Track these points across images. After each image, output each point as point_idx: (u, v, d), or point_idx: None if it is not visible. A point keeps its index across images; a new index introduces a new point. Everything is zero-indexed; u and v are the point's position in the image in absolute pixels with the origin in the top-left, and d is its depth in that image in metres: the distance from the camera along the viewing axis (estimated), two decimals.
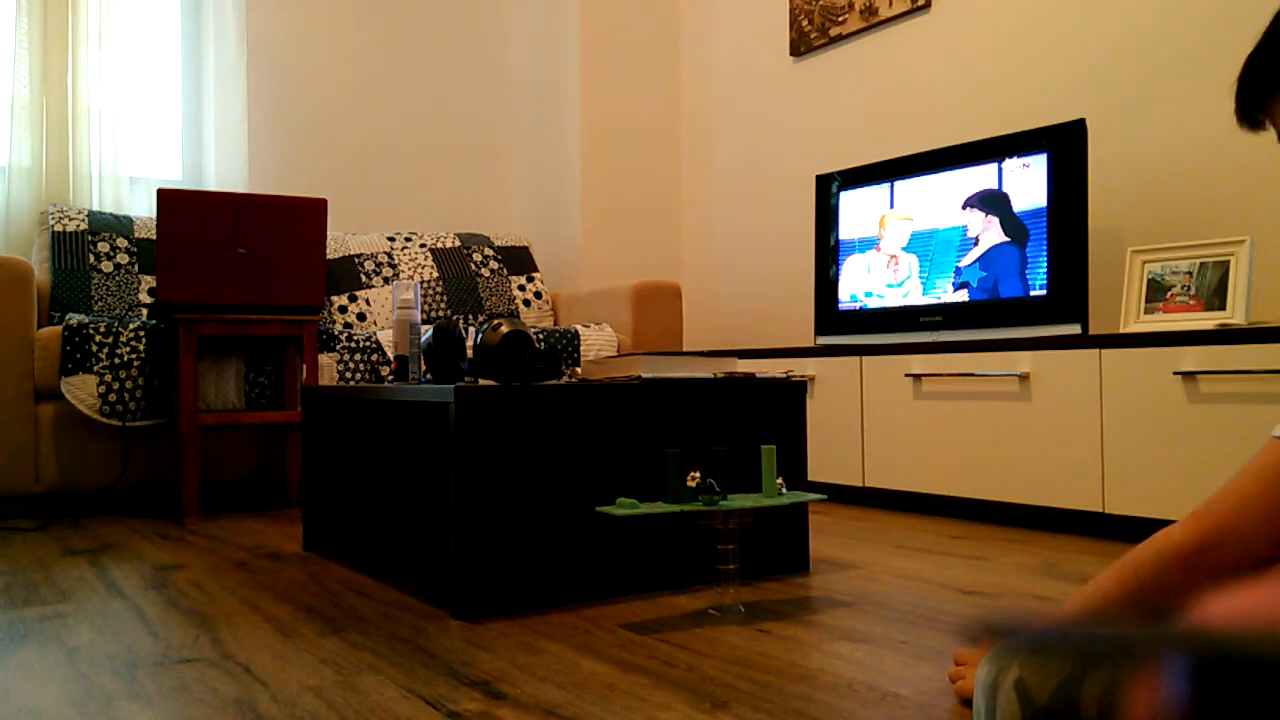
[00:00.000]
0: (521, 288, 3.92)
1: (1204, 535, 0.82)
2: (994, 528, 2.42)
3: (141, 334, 2.85)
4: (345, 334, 3.09)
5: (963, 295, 2.70)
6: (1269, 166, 2.40)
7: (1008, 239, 2.60)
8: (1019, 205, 2.58)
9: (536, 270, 3.99)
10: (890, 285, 2.90)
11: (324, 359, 2.84)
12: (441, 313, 3.71)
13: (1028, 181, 2.57)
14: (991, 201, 2.65)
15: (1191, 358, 2.08)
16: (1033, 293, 2.53)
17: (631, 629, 1.51)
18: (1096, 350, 2.25)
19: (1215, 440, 2.04)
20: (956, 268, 2.72)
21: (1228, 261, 2.27)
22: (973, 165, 2.70)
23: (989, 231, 2.65)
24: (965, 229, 2.70)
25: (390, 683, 1.26)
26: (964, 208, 2.71)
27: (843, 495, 2.98)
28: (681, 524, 1.83)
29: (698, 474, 1.60)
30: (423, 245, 3.84)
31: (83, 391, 2.75)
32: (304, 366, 2.81)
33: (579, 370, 2.00)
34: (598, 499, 1.73)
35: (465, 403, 1.60)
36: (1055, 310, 2.48)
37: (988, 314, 2.64)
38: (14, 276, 2.78)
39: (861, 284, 2.99)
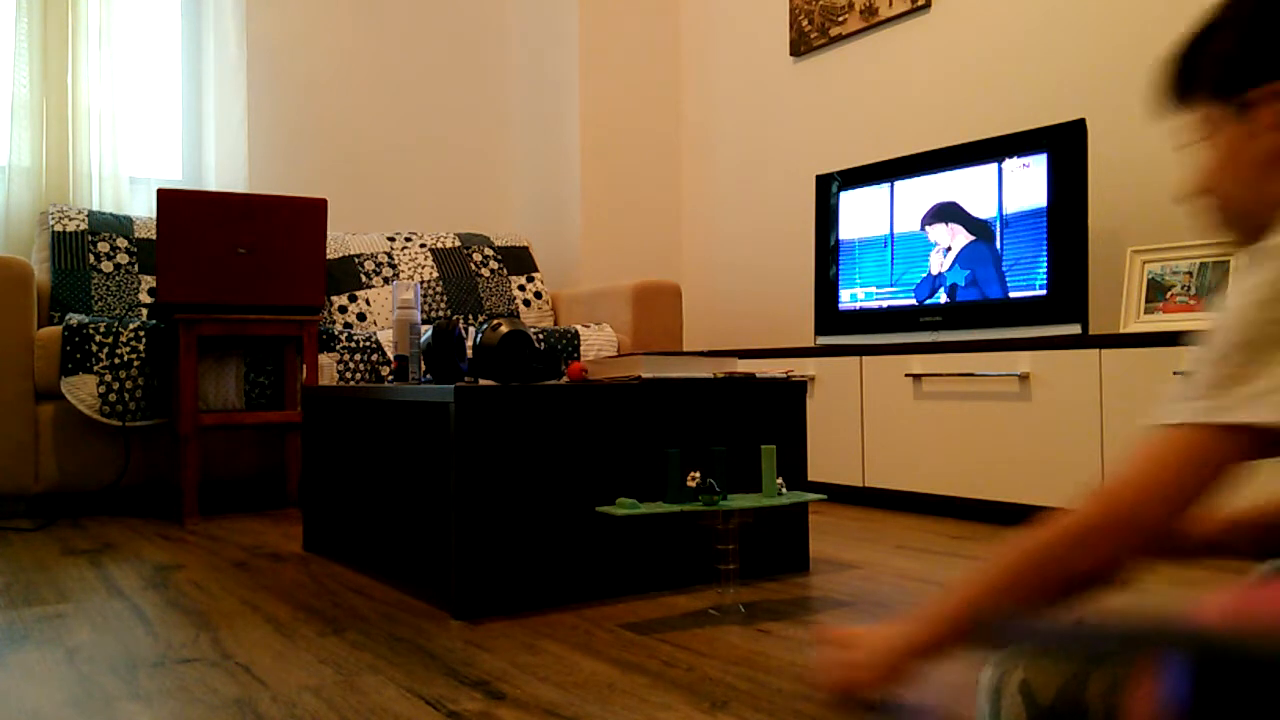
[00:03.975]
0: (521, 288, 3.92)
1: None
2: (994, 528, 2.42)
3: (141, 334, 2.85)
4: (345, 334, 3.09)
5: (962, 295, 2.70)
6: None
7: (1005, 239, 2.60)
8: (1020, 205, 2.58)
9: (536, 270, 3.99)
10: (891, 282, 2.90)
11: (324, 359, 2.84)
12: (441, 313, 3.71)
13: (1028, 181, 2.57)
14: (954, 213, 2.64)
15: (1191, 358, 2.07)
16: (1033, 293, 2.54)
17: (631, 629, 1.51)
18: (1096, 350, 2.25)
19: None
20: (957, 268, 2.72)
21: (1228, 261, 2.27)
22: (973, 165, 2.70)
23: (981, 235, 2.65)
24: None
25: (390, 683, 1.26)
26: (927, 223, 2.71)
27: (843, 495, 2.98)
28: (681, 524, 1.83)
29: (698, 474, 1.60)
30: (423, 245, 3.84)
31: (83, 391, 2.75)
32: (304, 366, 2.81)
33: None
34: (598, 499, 1.73)
35: (465, 403, 1.60)
36: (1055, 310, 2.48)
37: (988, 314, 2.64)
38: (14, 276, 2.78)
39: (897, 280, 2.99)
